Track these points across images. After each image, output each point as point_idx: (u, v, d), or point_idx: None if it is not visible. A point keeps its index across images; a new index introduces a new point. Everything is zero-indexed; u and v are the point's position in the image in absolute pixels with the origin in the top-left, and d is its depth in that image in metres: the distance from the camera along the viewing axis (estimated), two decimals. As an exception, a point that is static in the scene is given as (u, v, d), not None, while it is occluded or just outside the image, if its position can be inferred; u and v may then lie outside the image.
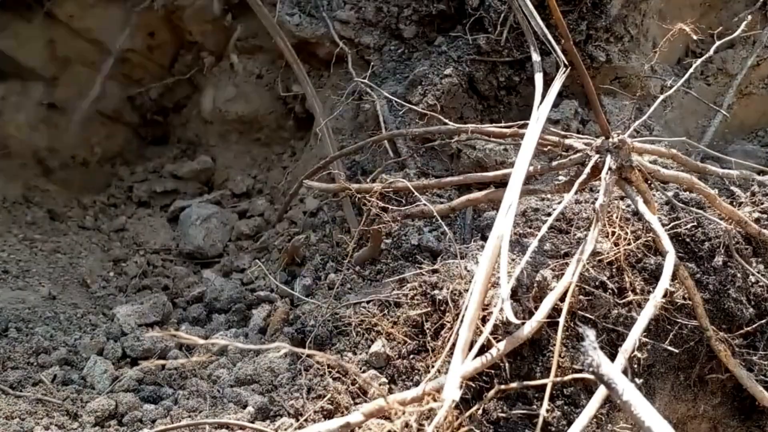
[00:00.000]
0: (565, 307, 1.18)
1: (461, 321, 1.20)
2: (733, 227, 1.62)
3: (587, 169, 1.42)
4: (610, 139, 1.42)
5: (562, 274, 1.47)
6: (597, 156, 1.43)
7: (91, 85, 2.61)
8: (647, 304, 1.25)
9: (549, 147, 1.53)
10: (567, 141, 1.53)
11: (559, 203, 1.71)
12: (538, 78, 1.65)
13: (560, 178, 1.77)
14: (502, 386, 1.16)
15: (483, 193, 1.61)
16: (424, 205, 1.58)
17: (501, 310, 1.21)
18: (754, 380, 1.58)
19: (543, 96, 1.57)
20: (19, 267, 2.08)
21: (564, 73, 1.60)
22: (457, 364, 1.08)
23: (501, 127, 1.64)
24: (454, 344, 1.22)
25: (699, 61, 1.69)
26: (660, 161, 1.70)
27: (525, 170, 1.36)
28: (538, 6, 2.04)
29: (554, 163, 1.52)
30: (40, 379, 1.61)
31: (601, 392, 1.18)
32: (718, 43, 1.75)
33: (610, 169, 1.40)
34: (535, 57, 1.77)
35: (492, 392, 1.18)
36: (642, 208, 1.42)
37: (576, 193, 1.46)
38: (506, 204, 1.31)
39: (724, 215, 1.60)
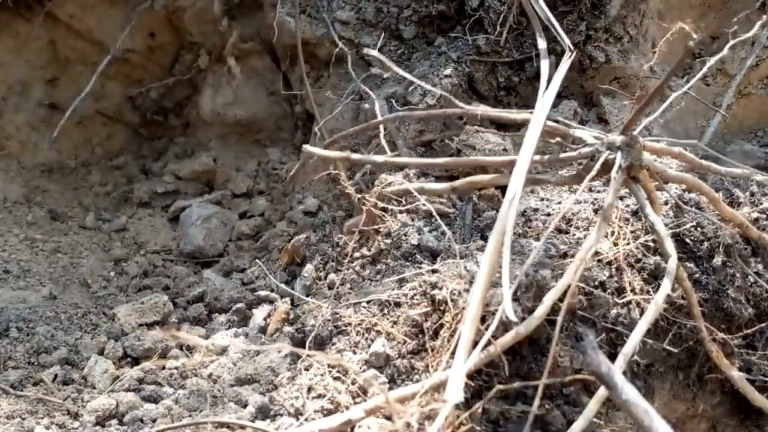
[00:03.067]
0: (564, 306, 1.18)
1: (464, 319, 1.20)
2: (732, 229, 1.62)
3: (598, 165, 1.40)
4: (622, 136, 1.41)
5: (561, 273, 1.47)
6: (608, 152, 1.42)
7: (93, 85, 2.61)
8: (648, 308, 1.25)
9: (557, 138, 1.52)
10: (576, 133, 1.52)
11: (558, 203, 1.72)
12: (544, 64, 1.63)
13: (564, 171, 1.77)
14: (502, 386, 1.17)
15: (488, 177, 1.60)
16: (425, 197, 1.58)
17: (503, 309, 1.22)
18: (745, 381, 1.58)
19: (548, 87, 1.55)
20: (19, 267, 2.09)
21: (570, 57, 1.59)
22: (459, 364, 1.08)
23: (512, 112, 1.62)
24: (454, 343, 1.23)
25: (713, 61, 1.69)
26: (661, 161, 1.70)
27: (531, 156, 1.34)
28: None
29: (562, 155, 1.51)
30: (40, 379, 1.62)
31: (601, 392, 1.18)
32: (732, 42, 1.74)
33: (620, 167, 1.39)
34: (541, 44, 1.75)
35: (492, 392, 1.18)
36: (647, 209, 1.41)
37: (582, 189, 1.45)
38: (511, 192, 1.28)
39: (726, 218, 1.60)
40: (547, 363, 1.11)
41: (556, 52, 2.14)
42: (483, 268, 1.21)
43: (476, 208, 1.83)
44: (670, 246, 1.38)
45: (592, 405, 1.20)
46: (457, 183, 1.55)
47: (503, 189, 1.50)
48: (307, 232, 2.02)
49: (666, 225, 1.59)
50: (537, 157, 1.53)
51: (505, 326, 1.36)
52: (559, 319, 1.18)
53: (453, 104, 1.80)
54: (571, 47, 1.62)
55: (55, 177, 2.62)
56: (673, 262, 1.35)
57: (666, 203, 1.66)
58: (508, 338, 1.25)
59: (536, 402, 1.03)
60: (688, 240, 1.62)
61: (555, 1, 2.11)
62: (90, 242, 2.31)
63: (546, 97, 1.48)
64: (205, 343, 1.68)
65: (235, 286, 1.96)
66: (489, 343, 1.22)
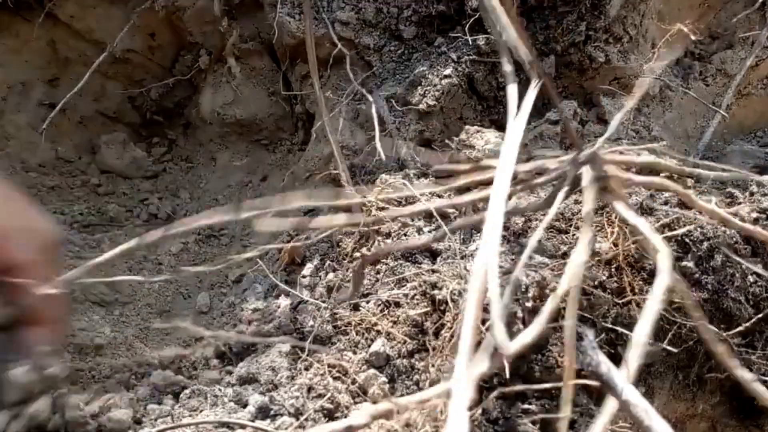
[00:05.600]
0: (568, 310, 1.18)
1: (462, 324, 1.19)
2: (726, 228, 1.62)
3: (566, 186, 1.43)
4: (583, 152, 1.44)
5: (562, 274, 1.48)
6: (575, 170, 1.44)
7: (93, 85, 2.61)
8: (650, 304, 1.25)
9: (521, 179, 1.53)
10: (541, 162, 1.54)
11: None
12: (511, 90, 1.63)
13: (542, 195, 1.77)
14: (504, 389, 1.17)
15: (483, 193, 1.61)
16: (424, 205, 1.59)
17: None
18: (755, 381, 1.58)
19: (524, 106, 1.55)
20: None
21: (537, 84, 1.60)
22: (461, 389, 1.07)
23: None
24: (453, 346, 1.23)
25: (697, 63, 1.69)
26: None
27: (504, 198, 1.35)
28: (537, 7, 2.05)
29: (536, 181, 1.53)
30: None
31: (611, 403, 1.17)
32: (714, 45, 1.76)
33: (589, 181, 1.41)
34: (507, 67, 1.75)
35: (494, 394, 1.19)
36: (625, 214, 1.43)
37: (561, 203, 1.46)
38: (488, 230, 1.29)
39: (706, 214, 1.61)
40: (566, 369, 1.11)
41: (556, 53, 2.15)
42: (471, 302, 1.20)
43: (476, 208, 1.84)
44: (658, 242, 1.38)
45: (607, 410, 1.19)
46: (455, 202, 1.57)
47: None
48: (307, 232, 2.02)
49: (665, 226, 1.59)
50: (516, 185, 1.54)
51: (508, 329, 1.36)
52: (567, 323, 1.18)
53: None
54: (540, 74, 1.62)
55: (56, 177, 2.62)
56: (663, 256, 1.34)
57: (666, 203, 1.66)
58: (517, 348, 1.25)
59: (567, 408, 1.03)
60: (687, 240, 1.63)
61: (555, 1, 2.11)
62: (91, 241, 2.31)
63: (516, 125, 1.47)
64: (210, 334, 1.68)
65: (236, 286, 1.97)
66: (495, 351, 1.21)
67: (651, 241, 1.36)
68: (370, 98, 2.01)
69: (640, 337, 1.15)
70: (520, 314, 1.39)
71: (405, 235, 1.76)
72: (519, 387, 1.20)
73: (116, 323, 1.91)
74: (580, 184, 1.42)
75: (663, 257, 1.25)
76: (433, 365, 1.43)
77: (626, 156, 1.59)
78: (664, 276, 1.21)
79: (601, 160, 1.44)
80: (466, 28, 2.11)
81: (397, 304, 1.57)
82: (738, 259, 1.59)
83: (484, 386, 1.36)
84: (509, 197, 1.53)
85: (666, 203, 1.67)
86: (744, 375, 1.34)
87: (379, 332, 1.55)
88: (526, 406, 1.35)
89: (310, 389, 1.47)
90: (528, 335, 1.17)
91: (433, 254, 1.72)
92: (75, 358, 1.71)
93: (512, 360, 1.36)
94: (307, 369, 1.52)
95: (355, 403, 1.45)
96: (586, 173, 1.43)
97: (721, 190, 1.83)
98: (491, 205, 1.32)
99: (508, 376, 1.22)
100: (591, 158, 1.43)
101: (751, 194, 1.80)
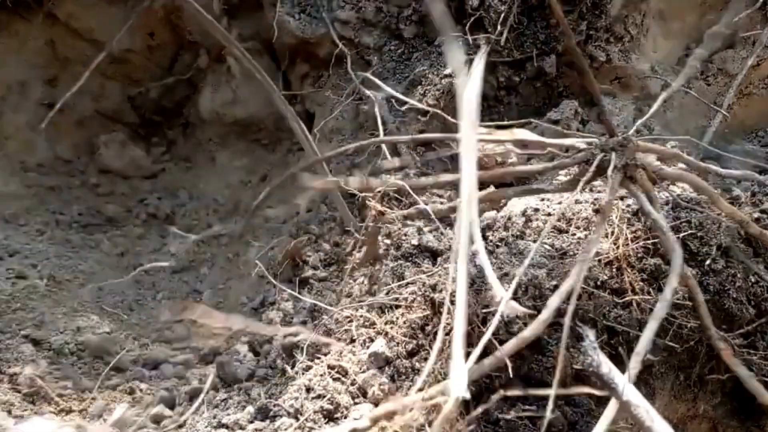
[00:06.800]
0: (570, 308, 1.18)
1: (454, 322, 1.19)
2: (734, 227, 1.62)
3: (593, 168, 1.41)
4: (615, 138, 1.42)
5: (560, 273, 1.47)
6: (602, 154, 1.43)
7: (92, 85, 2.61)
8: (657, 305, 1.24)
9: (550, 151, 1.52)
10: (568, 141, 1.52)
11: (559, 203, 1.71)
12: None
13: (560, 177, 1.77)
14: (506, 392, 1.17)
15: (483, 193, 1.60)
16: (424, 205, 1.58)
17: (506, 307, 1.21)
18: (754, 379, 1.57)
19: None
20: (21, 266, 2.09)
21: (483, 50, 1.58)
22: (459, 360, 1.07)
23: (502, 126, 1.63)
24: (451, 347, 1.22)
25: (696, 62, 1.69)
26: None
27: (468, 236, 1.34)
28: (538, 6, 2.04)
29: (556, 162, 1.52)
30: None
31: (613, 405, 1.17)
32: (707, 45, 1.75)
33: (615, 167, 1.39)
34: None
35: (495, 396, 1.18)
36: (647, 207, 1.41)
37: (579, 192, 1.45)
38: (461, 256, 1.28)
39: (726, 215, 1.60)
40: (557, 370, 1.11)
41: (557, 52, 2.15)
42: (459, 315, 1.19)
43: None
44: (673, 241, 1.37)
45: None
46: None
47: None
48: (308, 233, 2.02)
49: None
50: (533, 167, 1.53)
51: (507, 328, 1.36)
52: (566, 321, 1.18)
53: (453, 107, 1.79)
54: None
55: (55, 177, 2.62)
56: (677, 257, 1.34)
57: (667, 203, 1.66)
58: (513, 344, 1.24)
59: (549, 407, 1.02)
60: (689, 241, 1.62)
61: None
62: (90, 241, 2.31)
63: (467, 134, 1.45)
64: (225, 326, 1.67)
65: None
66: (491, 348, 1.21)
67: (667, 239, 1.34)
68: (382, 90, 1.99)
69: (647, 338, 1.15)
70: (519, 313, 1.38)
71: (405, 234, 1.76)
72: (519, 392, 1.19)
73: (114, 321, 1.91)
74: (605, 169, 1.40)
75: (675, 259, 1.24)
76: (431, 365, 1.42)
77: (657, 146, 1.57)
78: (674, 278, 1.20)
79: (633, 146, 1.43)
80: (467, 28, 2.10)
81: (397, 305, 1.57)
82: (748, 262, 1.58)
83: (486, 387, 1.35)
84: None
85: (667, 203, 1.67)
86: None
87: (378, 333, 1.54)
88: (527, 407, 1.35)
89: (309, 390, 1.46)
90: (542, 317, 1.17)
91: (434, 254, 1.71)
92: (76, 358, 1.71)
93: (513, 361, 1.36)
94: (306, 370, 1.52)
95: (355, 403, 1.44)
96: (614, 159, 1.41)
97: (722, 189, 1.82)
98: (460, 240, 1.31)
99: (510, 376, 1.22)
100: (623, 143, 1.42)
101: (753, 194, 1.80)
